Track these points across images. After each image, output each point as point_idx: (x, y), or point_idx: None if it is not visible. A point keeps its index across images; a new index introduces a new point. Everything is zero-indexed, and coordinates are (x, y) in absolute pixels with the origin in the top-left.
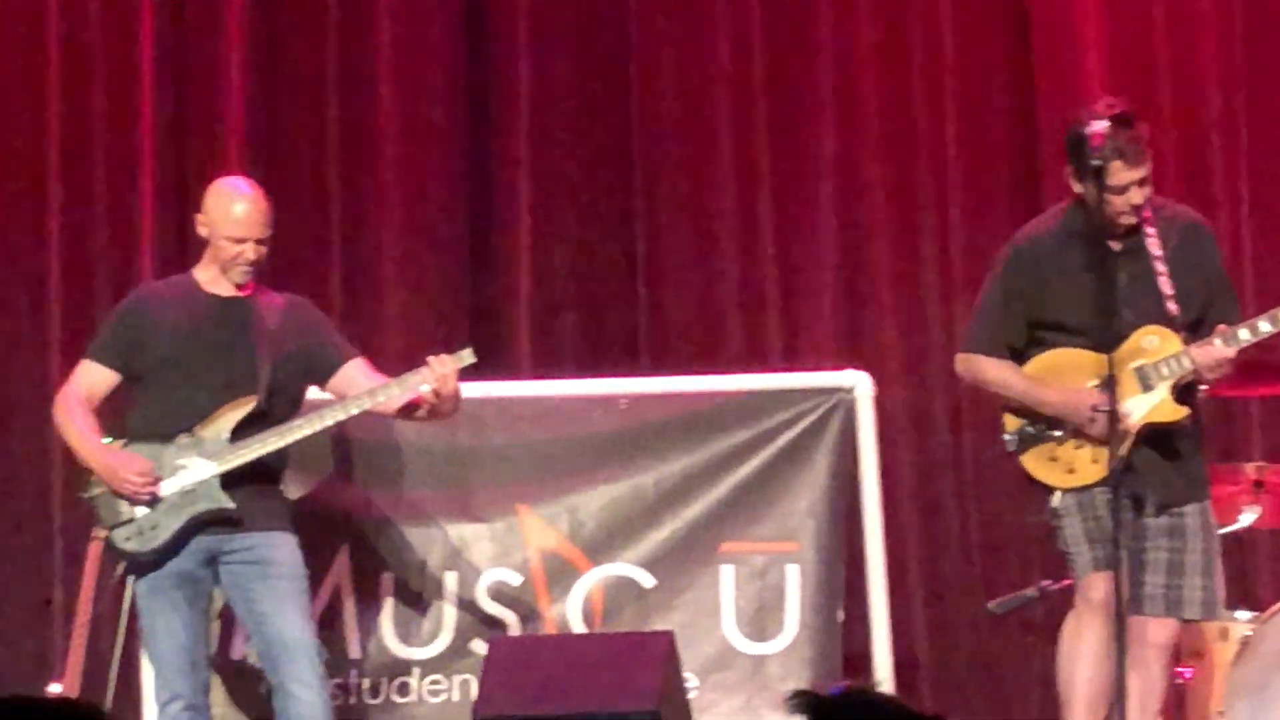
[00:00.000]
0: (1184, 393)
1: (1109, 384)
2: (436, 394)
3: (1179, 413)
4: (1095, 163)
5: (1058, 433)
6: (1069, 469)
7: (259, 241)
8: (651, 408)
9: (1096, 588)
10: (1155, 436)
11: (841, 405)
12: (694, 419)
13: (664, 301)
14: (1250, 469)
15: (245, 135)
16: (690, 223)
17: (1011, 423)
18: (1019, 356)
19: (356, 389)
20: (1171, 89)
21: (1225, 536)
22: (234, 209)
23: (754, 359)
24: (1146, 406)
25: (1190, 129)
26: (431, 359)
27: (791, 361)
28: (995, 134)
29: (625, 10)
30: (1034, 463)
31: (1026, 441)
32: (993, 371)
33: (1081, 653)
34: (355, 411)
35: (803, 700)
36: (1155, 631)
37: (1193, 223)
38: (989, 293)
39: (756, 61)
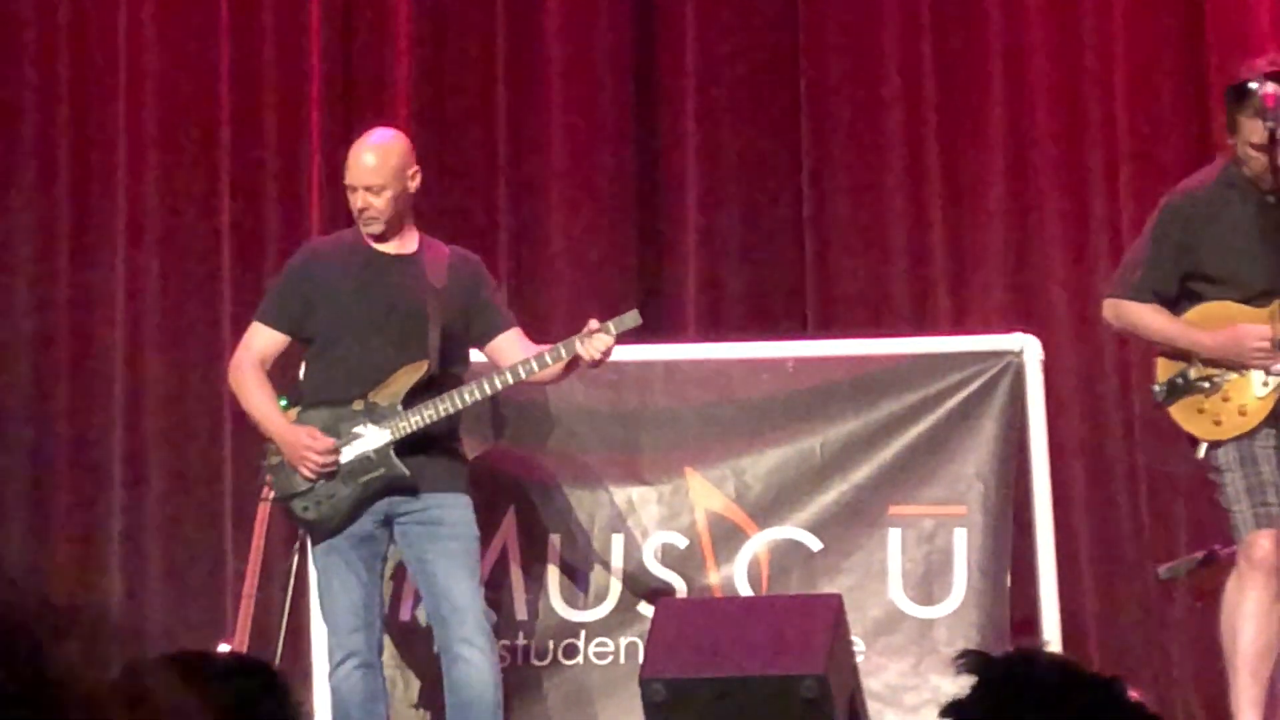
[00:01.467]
0: None
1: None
2: (591, 361)
3: None
4: (1270, 124)
5: (1206, 384)
6: (1215, 420)
7: (369, 189)
8: (818, 370)
9: (1258, 545)
10: None
11: (1010, 369)
12: (861, 382)
13: (831, 264)
14: None
15: (413, 105)
16: (857, 186)
17: (1163, 372)
18: (1169, 309)
19: (509, 359)
20: None
21: None
22: (350, 156)
23: (922, 322)
24: None
25: None
26: (592, 324)
27: (959, 325)
28: (1165, 97)
29: None
30: (1181, 413)
31: (1176, 392)
32: (1144, 316)
33: (1244, 614)
34: (512, 381)
35: (971, 661)
36: None
37: None
38: (1142, 243)
39: (925, 29)
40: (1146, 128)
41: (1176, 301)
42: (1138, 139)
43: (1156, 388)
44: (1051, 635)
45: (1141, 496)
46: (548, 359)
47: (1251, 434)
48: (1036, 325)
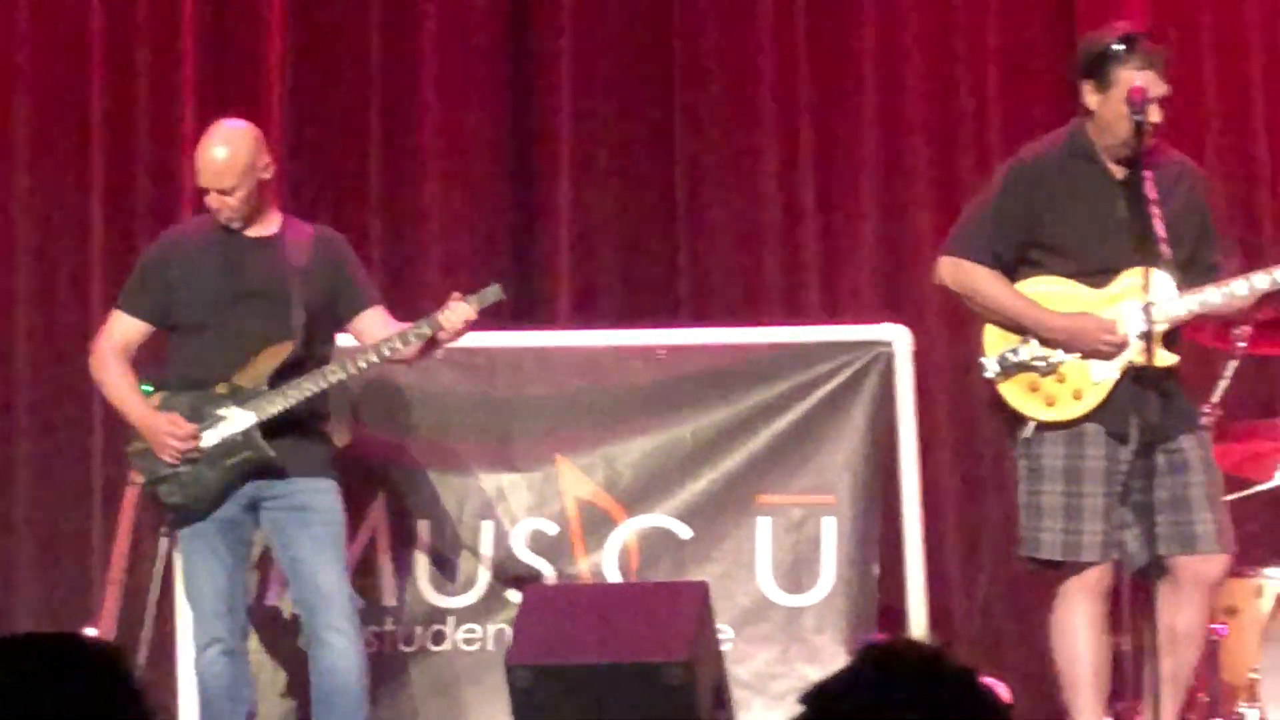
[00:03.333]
0: (1169, 336)
1: (1146, 307)
2: (453, 330)
3: (1168, 359)
4: (1137, 117)
5: (1041, 364)
6: (1049, 401)
7: (222, 192)
8: (690, 359)
9: (1096, 576)
10: (1138, 378)
11: (880, 359)
12: (732, 371)
13: (704, 253)
14: None
15: (286, 83)
16: (731, 175)
17: (993, 345)
18: (1006, 276)
19: (373, 337)
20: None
21: (1262, 493)
22: (199, 158)
23: (794, 312)
24: (1137, 345)
25: (1231, 82)
26: (454, 296)
27: (831, 315)
28: (1037, 92)
29: None
30: (1013, 391)
31: (1009, 368)
32: (985, 281)
33: (1079, 629)
34: (377, 360)
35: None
36: (1182, 568)
37: (1185, 165)
38: (984, 202)
39: (800, 21)
40: (1018, 122)
41: (1013, 268)
42: (1009, 133)
43: (987, 360)
44: (919, 625)
45: (1009, 486)
46: (411, 336)
47: (1082, 434)
48: (908, 316)
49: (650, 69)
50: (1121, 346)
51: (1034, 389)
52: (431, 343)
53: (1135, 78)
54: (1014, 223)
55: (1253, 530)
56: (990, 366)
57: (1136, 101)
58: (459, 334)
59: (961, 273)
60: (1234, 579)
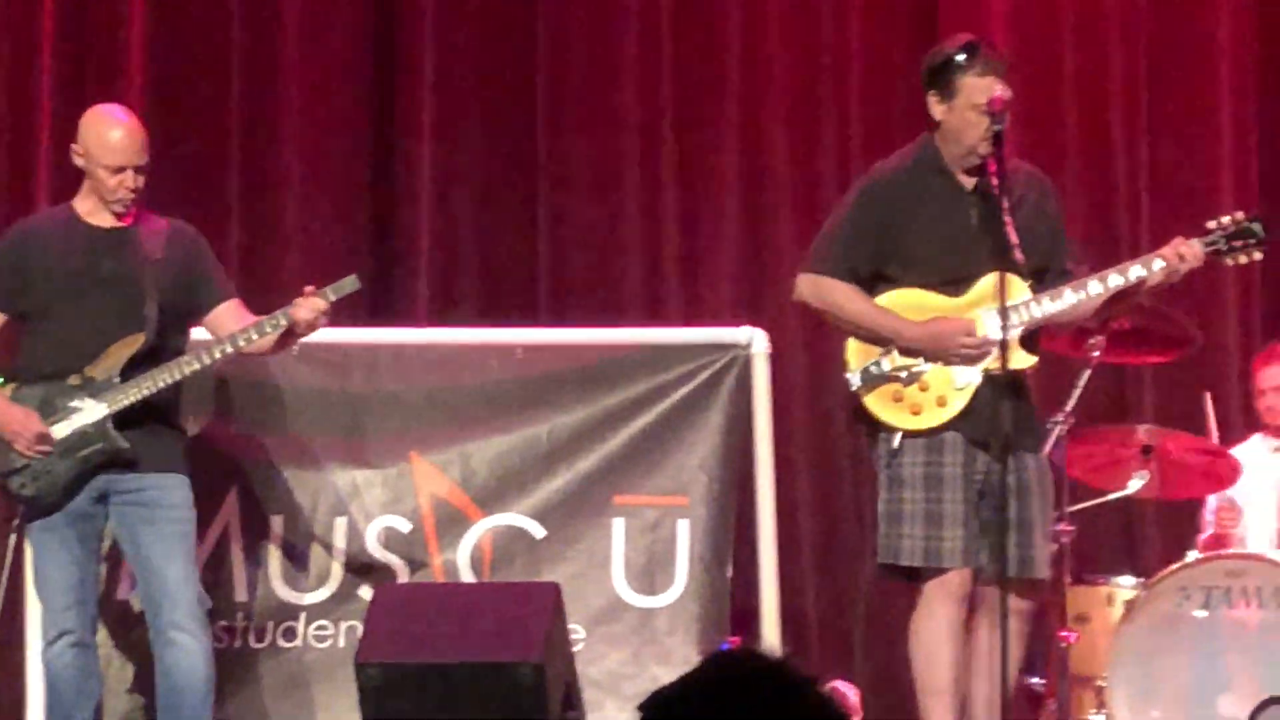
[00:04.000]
0: (1026, 341)
1: (1003, 313)
2: (306, 323)
3: (1027, 360)
4: (996, 126)
5: (903, 374)
6: (914, 410)
7: (138, 169)
8: (547, 358)
9: (955, 580)
10: (996, 384)
11: (737, 361)
12: (590, 371)
13: (564, 253)
14: (1141, 433)
15: (146, 74)
16: (592, 176)
17: (857, 359)
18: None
19: (228, 331)
20: (1075, 57)
21: (1114, 501)
22: (110, 136)
23: (653, 313)
24: (995, 352)
25: (1093, 97)
26: (307, 290)
27: (691, 317)
28: (898, 96)
29: None
30: (877, 402)
31: (872, 380)
32: (843, 295)
33: (937, 637)
34: (231, 350)
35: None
36: (1015, 591)
37: (1034, 174)
38: (838, 219)
39: (664, 15)
40: (878, 129)
41: (869, 283)
42: (869, 140)
43: (851, 375)
44: (771, 627)
45: (864, 489)
46: (266, 327)
47: (941, 442)
48: (766, 319)
49: (513, 71)
50: (981, 347)
51: (898, 399)
52: (287, 335)
53: (979, 85)
54: (868, 238)
55: (1103, 538)
56: (854, 380)
57: (996, 110)
58: (313, 326)
59: (820, 289)
60: (1085, 587)
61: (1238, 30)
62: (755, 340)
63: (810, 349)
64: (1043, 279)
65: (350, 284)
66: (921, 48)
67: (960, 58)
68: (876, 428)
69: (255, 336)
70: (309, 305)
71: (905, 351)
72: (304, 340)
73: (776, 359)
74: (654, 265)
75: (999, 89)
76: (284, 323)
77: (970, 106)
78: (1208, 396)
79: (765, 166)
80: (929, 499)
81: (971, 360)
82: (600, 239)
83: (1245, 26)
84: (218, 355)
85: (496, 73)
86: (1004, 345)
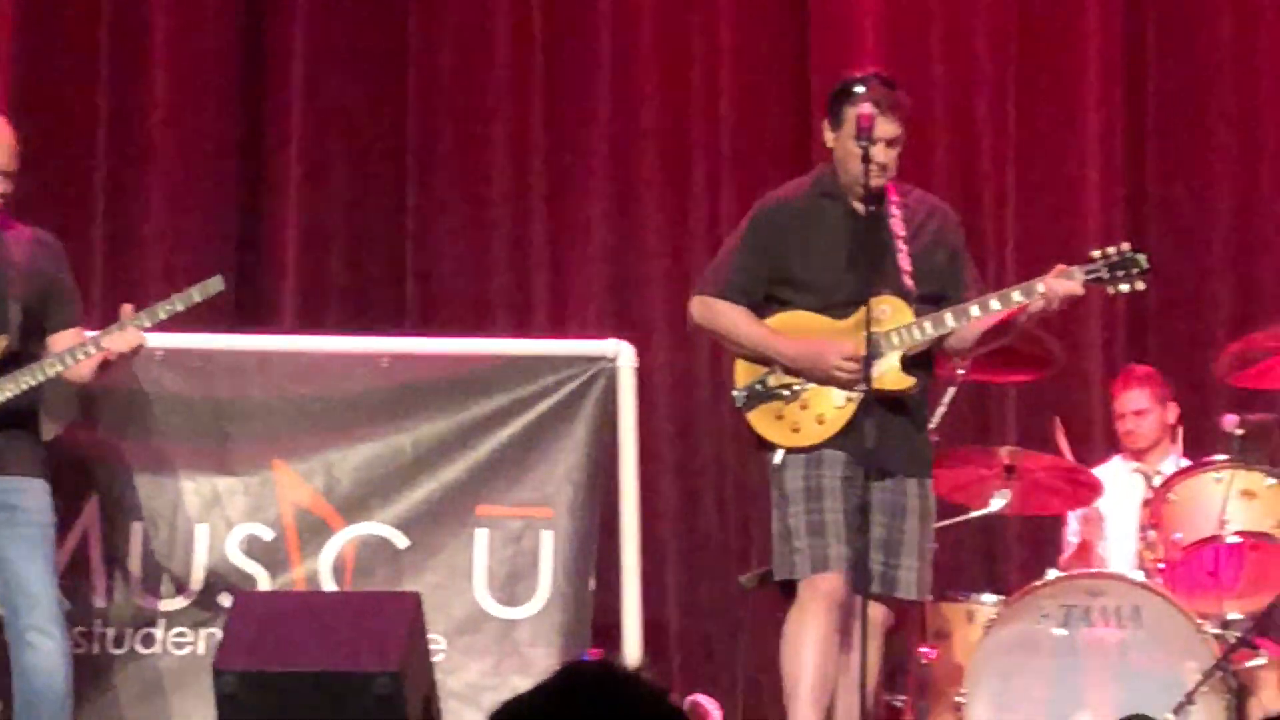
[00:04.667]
0: (912, 364)
1: (868, 338)
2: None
3: (905, 382)
4: (863, 144)
5: (786, 392)
6: (794, 428)
7: (5, 175)
8: (413, 368)
9: (825, 582)
10: (880, 405)
11: (603, 374)
12: (455, 381)
13: (433, 263)
14: (1003, 454)
15: (10, 77)
16: (461, 185)
17: (743, 377)
18: (756, 314)
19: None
20: (944, 64)
21: (975, 520)
22: None
23: (521, 325)
24: (875, 372)
25: (962, 109)
26: (117, 325)
27: (559, 329)
28: (768, 107)
29: None
30: (760, 419)
31: (755, 398)
32: (732, 317)
33: (807, 643)
34: (43, 378)
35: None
36: (874, 609)
37: (936, 206)
38: (733, 244)
39: (536, 27)
40: (748, 142)
41: (762, 306)
42: (740, 150)
43: (736, 393)
44: (634, 639)
45: (729, 504)
46: (78, 354)
47: (820, 458)
48: (633, 332)
49: (384, 79)
50: (859, 370)
51: (780, 417)
52: (104, 364)
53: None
54: (760, 262)
55: (965, 556)
56: (739, 398)
57: (864, 128)
58: (129, 356)
59: (711, 311)
60: (946, 604)
61: (1105, 50)
62: (622, 353)
63: (676, 361)
64: (939, 307)
65: (216, 284)
66: (792, 61)
67: (848, 88)
68: (761, 444)
69: (70, 362)
70: (122, 339)
71: (788, 370)
72: (169, 345)
73: (643, 372)
74: (522, 277)
75: (894, 126)
76: (94, 351)
77: (852, 137)
78: (1057, 421)
79: (634, 180)
80: (810, 509)
81: (847, 383)
82: (469, 250)
83: (1113, 47)
84: (69, 362)
85: (367, 80)
86: (867, 367)
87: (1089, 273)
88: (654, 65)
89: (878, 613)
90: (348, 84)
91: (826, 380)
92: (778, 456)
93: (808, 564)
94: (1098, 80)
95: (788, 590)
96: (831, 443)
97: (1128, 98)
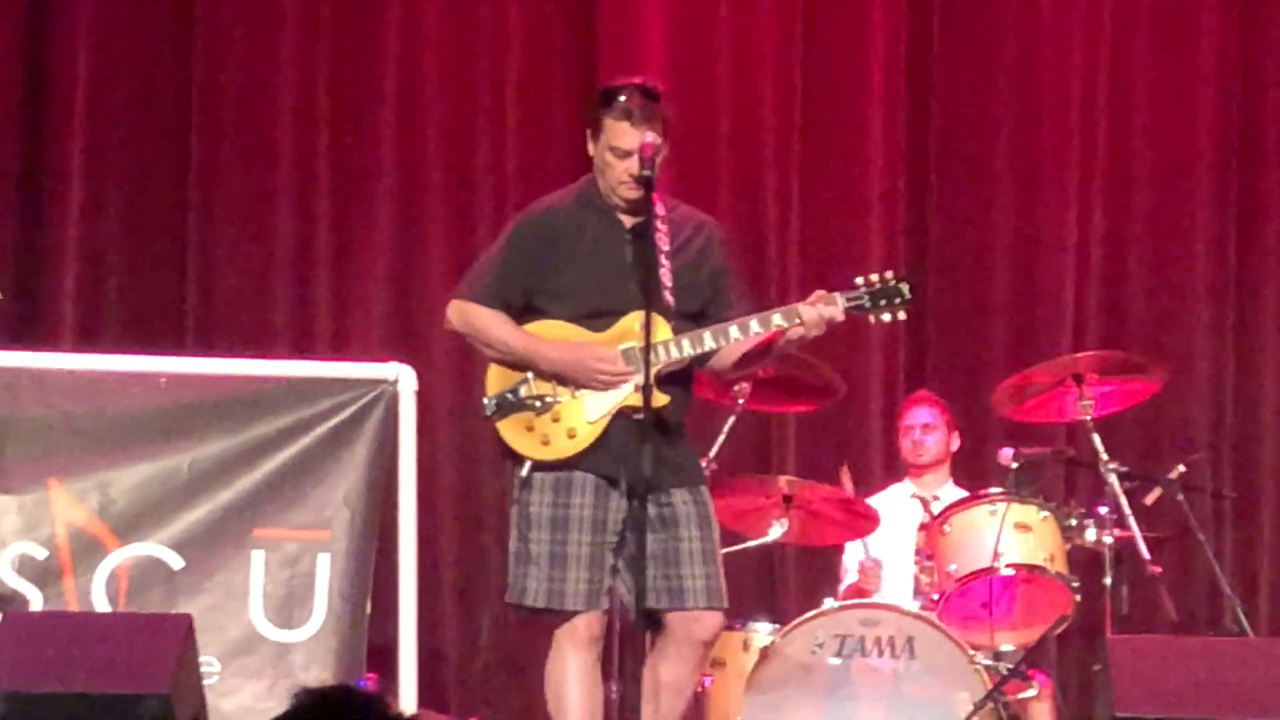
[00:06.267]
0: (668, 381)
1: (645, 345)
2: None
3: (659, 399)
4: (646, 172)
5: (538, 403)
6: (544, 440)
7: None
8: (192, 388)
9: (583, 626)
10: (631, 421)
11: (384, 397)
12: (234, 402)
13: (213, 283)
14: (782, 483)
15: None
16: (245, 206)
17: (494, 385)
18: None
19: None
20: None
21: (754, 549)
22: None
23: (302, 347)
24: (629, 388)
25: (746, 128)
26: None
27: (339, 351)
28: (555, 127)
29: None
30: (509, 430)
31: (505, 408)
32: (488, 321)
33: (570, 679)
34: None
35: (300, 694)
36: (698, 621)
37: (703, 221)
38: (493, 251)
39: (321, 47)
40: (534, 159)
41: (520, 315)
42: (524, 169)
43: (487, 400)
44: (409, 664)
45: (506, 529)
46: None
47: (570, 482)
48: (415, 355)
49: (167, 101)
50: (620, 378)
51: (530, 428)
52: None
53: (617, 128)
54: (518, 270)
55: (743, 584)
56: (489, 406)
57: (646, 156)
58: None
59: (467, 315)
60: (723, 632)
61: (890, 77)
62: (402, 377)
63: (458, 386)
64: (700, 323)
65: None
66: (579, 78)
67: (607, 99)
68: (510, 456)
69: None
70: None
71: (542, 377)
72: None
73: (424, 396)
74: (305, 300)
75: (649, 136)
76: None
77: (608, 148)
78: (845, 468)
79: (418, 203)
80: (554, 540)
81: (607, 386)
82: (251, 271)
83: (896, 74)
84: None
85: (150, 101)
86: (647, 386)
87: (851, 299)
88: (439, 91)
89: (677, 626)
90: (130, 109)
91: (588, 384)
92: (525, 469)
93: (543, 595)
94: (880, 90)
95: (538, 615)
96: (582, 461)
97: (910, 113)
